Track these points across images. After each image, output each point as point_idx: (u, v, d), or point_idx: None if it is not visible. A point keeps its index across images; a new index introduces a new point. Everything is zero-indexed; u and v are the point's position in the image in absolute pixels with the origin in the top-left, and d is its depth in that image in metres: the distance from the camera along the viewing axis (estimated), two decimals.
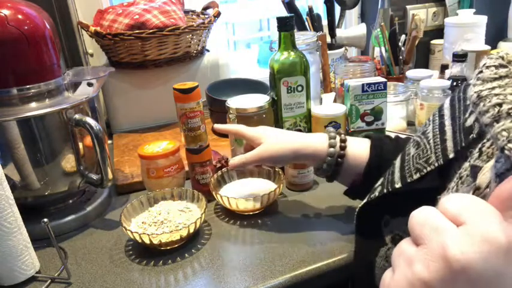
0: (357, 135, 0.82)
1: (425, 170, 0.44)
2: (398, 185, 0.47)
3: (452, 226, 0.25)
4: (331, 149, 0.61)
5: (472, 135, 0.41)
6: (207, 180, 0.75)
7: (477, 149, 0.39)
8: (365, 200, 0.51)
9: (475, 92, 0.35)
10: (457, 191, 0.40)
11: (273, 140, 0.64)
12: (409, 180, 0.46)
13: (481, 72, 0.36)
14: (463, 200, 0.26)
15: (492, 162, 0.35)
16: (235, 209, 0.70)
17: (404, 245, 0.28)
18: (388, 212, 0.51)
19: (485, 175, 0.36)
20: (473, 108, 0.36)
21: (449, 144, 0.43)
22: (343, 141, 0.62)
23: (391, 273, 0.28)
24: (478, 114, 0.35)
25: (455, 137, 0.43)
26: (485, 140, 0.38)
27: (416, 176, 0.45)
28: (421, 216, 0.27)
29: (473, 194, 0.36)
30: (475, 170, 0.37)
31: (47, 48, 0.65)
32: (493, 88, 0.34)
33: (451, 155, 0.42)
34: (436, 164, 0.43)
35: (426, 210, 0.27)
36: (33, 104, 0.64)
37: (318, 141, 0.63)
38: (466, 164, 0.40)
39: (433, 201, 0.30)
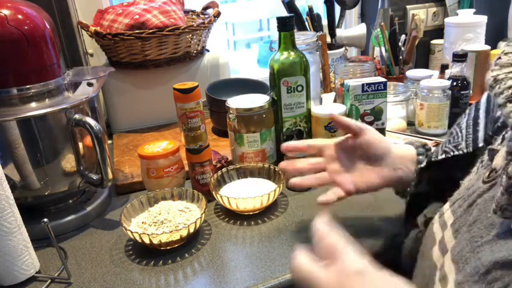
0: None
1: (451, 153, 0.48)
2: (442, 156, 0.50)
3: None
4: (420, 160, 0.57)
5: (497, 123, 0.44)
6: (207, 180, 0.75)
7: (500, 136, 0.42)
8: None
9: (492, 76, 0.38)
10: (477, 173, 0.43)
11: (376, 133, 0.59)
12: (433, 160, 0.50)
13: (499, 58, 0.39)
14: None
15: None
16: (235, 209, 0.70)
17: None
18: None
19: (500, 157, 0.38)
20: (489, 91, 0.38)
21: (481, 134, 0.47)
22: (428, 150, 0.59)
23: None
24: (493, 96, 0.37)
25: (486, 128, 0.47)
26: (508, 128, 0.41)
27: (441, 157, 0.49)
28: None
29: (489, 174, 0.39)
30: (492, 153, 0.40)
31: (47, 48, 0.65)
32: (510, 72, 0.37)
33: (481, 144, 0.46)
34: (465, 151, 0.47)
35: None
36: (33, 104, 0.64)
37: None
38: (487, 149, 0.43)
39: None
